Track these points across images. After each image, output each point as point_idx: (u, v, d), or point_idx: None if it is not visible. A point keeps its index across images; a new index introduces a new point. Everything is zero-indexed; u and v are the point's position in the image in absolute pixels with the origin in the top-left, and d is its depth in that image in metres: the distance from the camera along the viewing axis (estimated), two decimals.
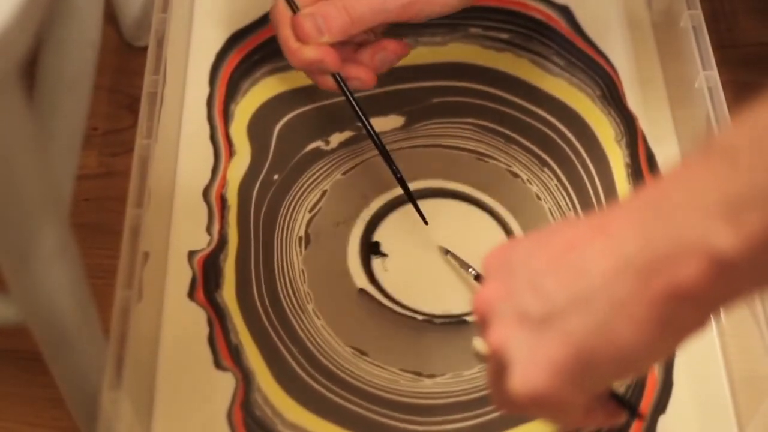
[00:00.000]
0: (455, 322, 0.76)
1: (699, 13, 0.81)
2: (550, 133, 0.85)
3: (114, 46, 0.98)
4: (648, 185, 0.49)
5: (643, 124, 0.84)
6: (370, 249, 0.80)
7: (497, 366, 0.51)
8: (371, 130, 0.75)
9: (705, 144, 0.46)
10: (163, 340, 0.74)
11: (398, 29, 0.78)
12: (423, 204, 0.78)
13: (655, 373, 0.73)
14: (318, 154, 0.83)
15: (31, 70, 0.69)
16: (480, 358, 0.56)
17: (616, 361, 0.48)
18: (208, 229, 0.79)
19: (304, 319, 0.76)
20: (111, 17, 0.97)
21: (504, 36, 0.89)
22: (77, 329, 0.66)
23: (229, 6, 0.90)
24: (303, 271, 0.78)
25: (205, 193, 0.80)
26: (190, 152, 0.82)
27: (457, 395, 0.73)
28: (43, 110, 0.71)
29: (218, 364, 0.73)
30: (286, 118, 0.85)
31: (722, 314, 0.74)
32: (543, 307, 0.49)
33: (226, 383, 0.72)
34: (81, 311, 0.65)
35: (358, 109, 0.75)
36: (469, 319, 0.76)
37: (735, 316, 0.72)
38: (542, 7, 0.90)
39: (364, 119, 0.75)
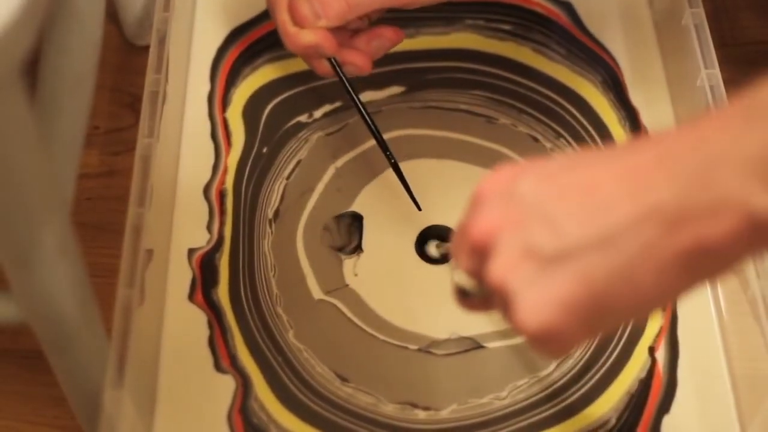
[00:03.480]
0: (466, 350, 0.75)
1: (701, 11, 0.81)
2: (559, 110, 0.85)
3: (116, 45, 0.98)
4: (676, 131, 0.48)
5: (645, 120, 0.84)
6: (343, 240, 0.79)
7: (499, 301, 0.50)
8: (366, 114, 0.75)
9: (741, 98, 0.46)
10: (164, 340, 0.74)
11: (398, 22, 0.78)
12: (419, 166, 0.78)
13: (660, 373, 0.73)
14: (302, 126, 0.84)
15: (32, 69, 0.69)
16: (461, 293, 0.54)
17: (631, 304, 0.48)
18: (209, 227, 0.79)
19: (280, 327, 0.75)
20: (113, 16, 0.97)
21: (506, 27, 0.89)
22: (79, 328, 0.66)
23: (230, 3, 0.90)
24: (275, 265, 0.78)
25: (206, 191, 0.80)
26: (191, 150, 0.82)
27: (464, 419, 0.72)
28: (45, 109, 0.71)
29: (218, 367, 0.73)
30: (278, 99, 0.85)
31: (724, 312, 0.74)
32: (557, 243, 0.48)
33: (226, 386, 0.72)
34: (82, 310, 0.65)
35: (353, 93, 0.75)
36: (489, 346, 0.74)
37: (736, 314, 0.73)
38: (544, 2, 0.90)
39: (359, 103, 0.75)
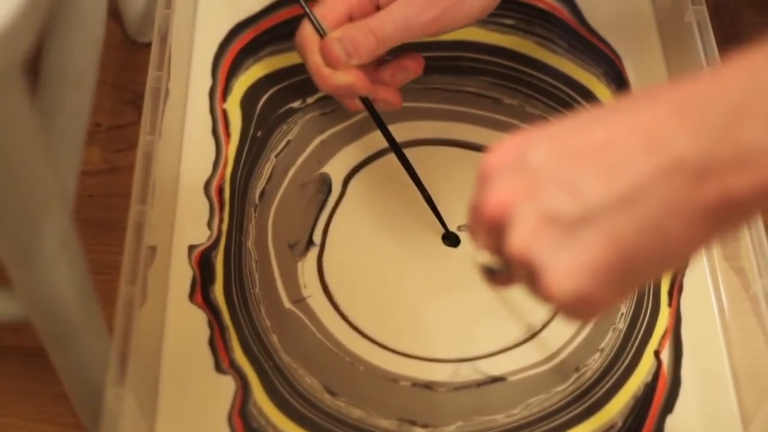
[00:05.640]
0: (477, 385, 0.73)
1: (703, 8, 0.81)
2: (565, 98, 0.85)
3: (117, 42, 0.98)
4: (692, 79, 0.47)
5: None
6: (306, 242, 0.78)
7: (524, 274, 0.49)
8: (400, 152, 0.76)
9: (764, 46, 0.45)
10: (166, 338, 0.74)
11: None
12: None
13: (665, 374, 0.73)
14: (294, 111, 0.84)
15: (34, 66, 0.69)
16: (486, 272, 0.53)
17: (660, 260, 0.47)
18: (209, 224, 0.79)
19: (267, 330, 0.74)
20: (114, 13, 0.96)
21: (508, 22, 0.89)
22: (81, 325, 0.66)
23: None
24: (257, 260, 0.77)
25: (206, 187, 0.80)
26: (193, 147, 0.82)
27: None
28: (46, 106, 0.70)
29: (218, 368, 0.73)
30: (275, 88, 0.85)
31: (726, 310, 0.74)
32: (578, 208, 0.47)
33: (226, 387, 0.72)
34: (84, 307, 0.65)
35: (386, 130, 0.75)
36: (512, 378, 0.73)
37: (738, 312, 0.72)
38: None
39: (392, 141, 0.76)
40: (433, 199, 0.76)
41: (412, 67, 0.76)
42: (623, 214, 0.46)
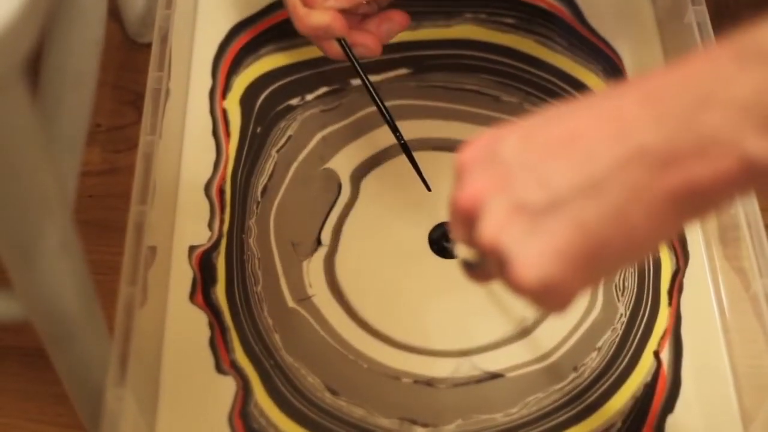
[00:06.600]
0: (477, 381, 0.73)
1: (703, 8, 0.81)
2: (565, 96, 0.85)
3: (117, 43, 0.98)
4: (660, 72, 0.48)
5: None
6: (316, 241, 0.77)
7: (495, 264, 0.50)
8: (376, 96, 0.75)
9: (731, 40, 0.46)
10: (167, 339, 0.73)
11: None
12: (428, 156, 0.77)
13: (665, 374, 0.73)
14: (293, 108, 0.84)
15: (35, 67, 0.69)
16: (465, 266, 0.54)
17: (626, 247, 0.48)
18: (210, 225, 0.79)
19: (269, 330, 0.74)
20: (115, 14, 0.97)
21: (508, 21, 0.89)
22: (81, 326, 0.66)
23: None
24: (259, 259, 0.77)
25: (207, 188, 0.80)
26: (193, 148, 0.82)
27: None
28: (46, 107, 0.70)
29: (219, 368, 0.72)
30: (275, 85, 0.85)
31: (726, 310, 0.74)
32: (545, 196, 0.48)
33: (227, 387, 0.72)
34: (85, 308, 0.65)
35: (363, 73, 0.75)
36: (510, 375, 0.73)
37: (738, 312, 0.72)
38: None
39: (368, 84, 0.75)
40: (428, 185, 0.77)
41: (398, 18, 0.75)
42: (588, 201, 0.47)
